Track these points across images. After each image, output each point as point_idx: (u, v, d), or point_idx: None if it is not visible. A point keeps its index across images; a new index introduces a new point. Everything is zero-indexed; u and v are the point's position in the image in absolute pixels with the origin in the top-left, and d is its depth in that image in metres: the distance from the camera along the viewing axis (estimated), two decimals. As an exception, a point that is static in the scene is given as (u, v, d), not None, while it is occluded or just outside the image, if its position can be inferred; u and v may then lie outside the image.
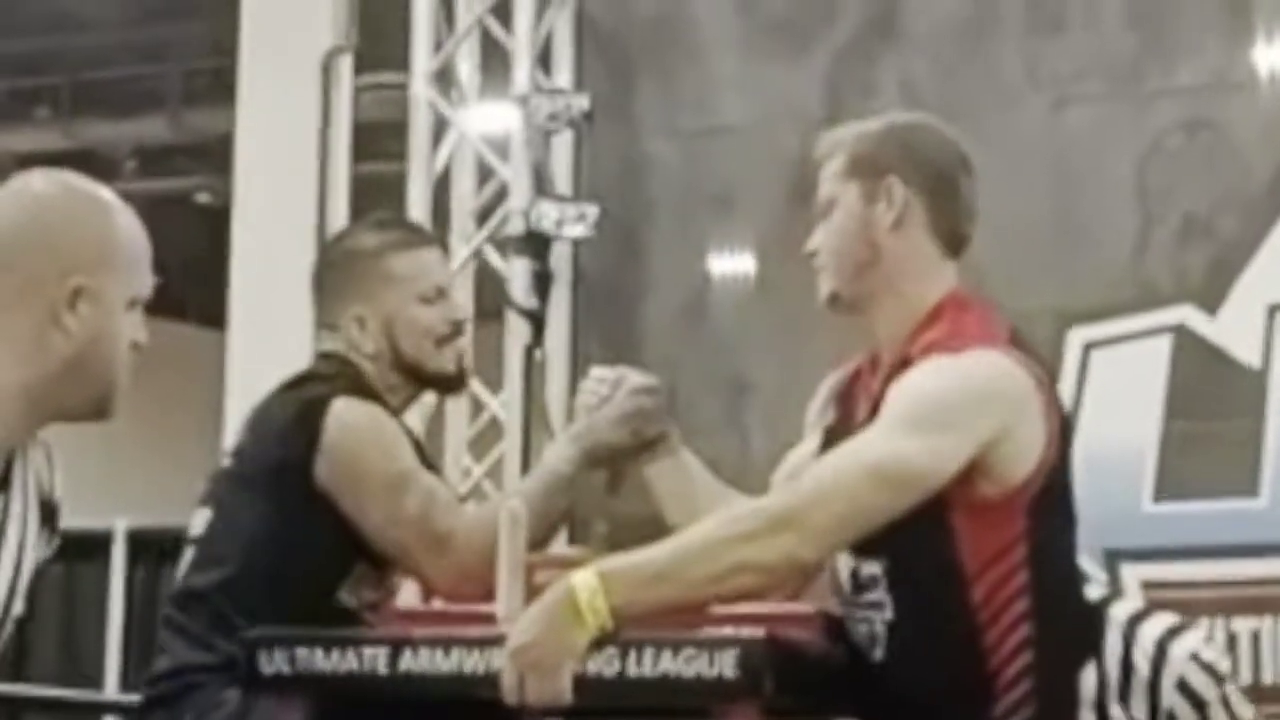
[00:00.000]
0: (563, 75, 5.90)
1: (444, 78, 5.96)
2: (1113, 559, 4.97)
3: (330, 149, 6.09)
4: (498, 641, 2.67)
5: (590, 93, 5.57)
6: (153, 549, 8.33)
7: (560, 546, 3.42)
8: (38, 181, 2.39)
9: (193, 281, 7.11)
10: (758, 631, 2.67)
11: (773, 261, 5.56)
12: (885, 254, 2.87)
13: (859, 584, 2.82)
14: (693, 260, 5.79)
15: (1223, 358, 5.12)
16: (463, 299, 4.88)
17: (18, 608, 2.36)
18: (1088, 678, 3.09)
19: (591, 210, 5.44)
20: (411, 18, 5.96)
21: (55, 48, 9.36)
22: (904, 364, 2.81)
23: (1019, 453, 2.75)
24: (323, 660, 2.87)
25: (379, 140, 6.50)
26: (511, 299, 5.60)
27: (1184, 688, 3.21)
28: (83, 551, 8.26)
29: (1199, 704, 3.21)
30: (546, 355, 5.53)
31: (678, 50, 5.80)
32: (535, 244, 5.43)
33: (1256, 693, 4.03)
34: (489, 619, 2.90)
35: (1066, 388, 4.97)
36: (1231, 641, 4.91)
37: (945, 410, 2.72)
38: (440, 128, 5.94)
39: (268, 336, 5.80)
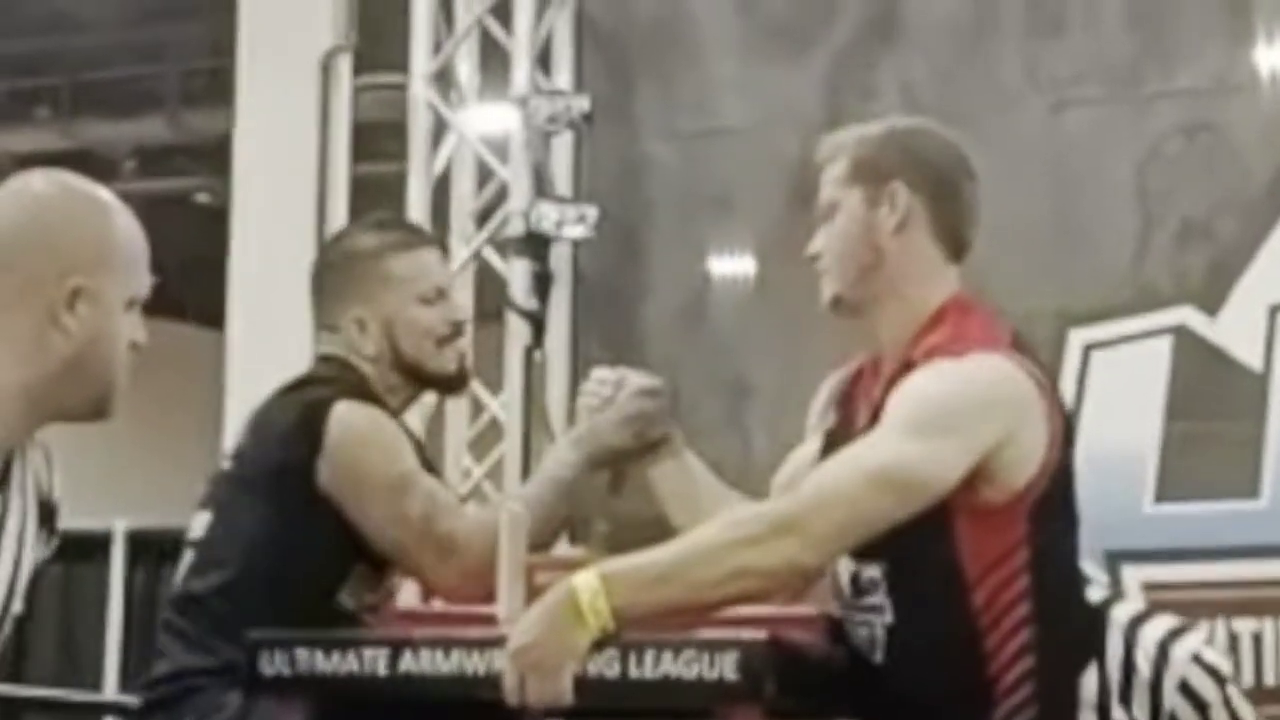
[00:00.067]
0: (562, 76, 5.89)
1: (443, 78, 5.96)
2: (1113, 560, 4.96)
3: (329, 150, 6.09)
4: (498, 643, 2.68)
5: (590, 94, 5.56)
6: (152, 550, 8.33)
7: (561, 547, 3.41)
8: (37, 182, 2.39)
9: (192, 281, 7.10)
10: (759, 633, 2.67)
11: (773, 263, 5.56)
12: (888, 257, 2.87)
13: (859, 588, 2.82)
14: (693, 261, 5.79)
15: (1223, 359, 5.12)
16: (462, 300, 4.87)
17: (16, 607, 2.36)
18: (1089, 680, 3.09)
19: (591, 211, 5.44)
20: (411, 18, 5.95)
21: (54, 48, 9.36)
22: (906, 367, 2.82)
23: (1021, 457, 2.75)
24: (323, 662, 2.87)
25: (378, 141, 6.49)
26: (511, 300, 5.59)
27: (1186, 689, 3.21)
28: (82, 552, 8.26)
29: (1201, 705, 3.21)
30: (546, 356, 5.53)
31: (677, 52, 5.79)
32: (535, 245, 5.42)
33: (1258, 694, 4.03)
34: (490, 620, 2.90)
35: (1067, 389, 4.97)
36: (1233, 643, 4.90)
37: (948, 415, 2.72)
38: (440, 129, 5.93)
39: (267, 336, 5.80)
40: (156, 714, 3.23)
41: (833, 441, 2.91)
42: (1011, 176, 4.94)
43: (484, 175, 5.95)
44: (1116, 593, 4.57)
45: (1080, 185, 5.33)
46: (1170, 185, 5.25)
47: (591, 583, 2.59)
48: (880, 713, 2.79)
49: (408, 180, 5.89)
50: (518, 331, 5.60)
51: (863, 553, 2.78)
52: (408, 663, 2.82)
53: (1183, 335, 5.17)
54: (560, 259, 5.65)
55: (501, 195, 5.87)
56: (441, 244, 4.04)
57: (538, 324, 5.48)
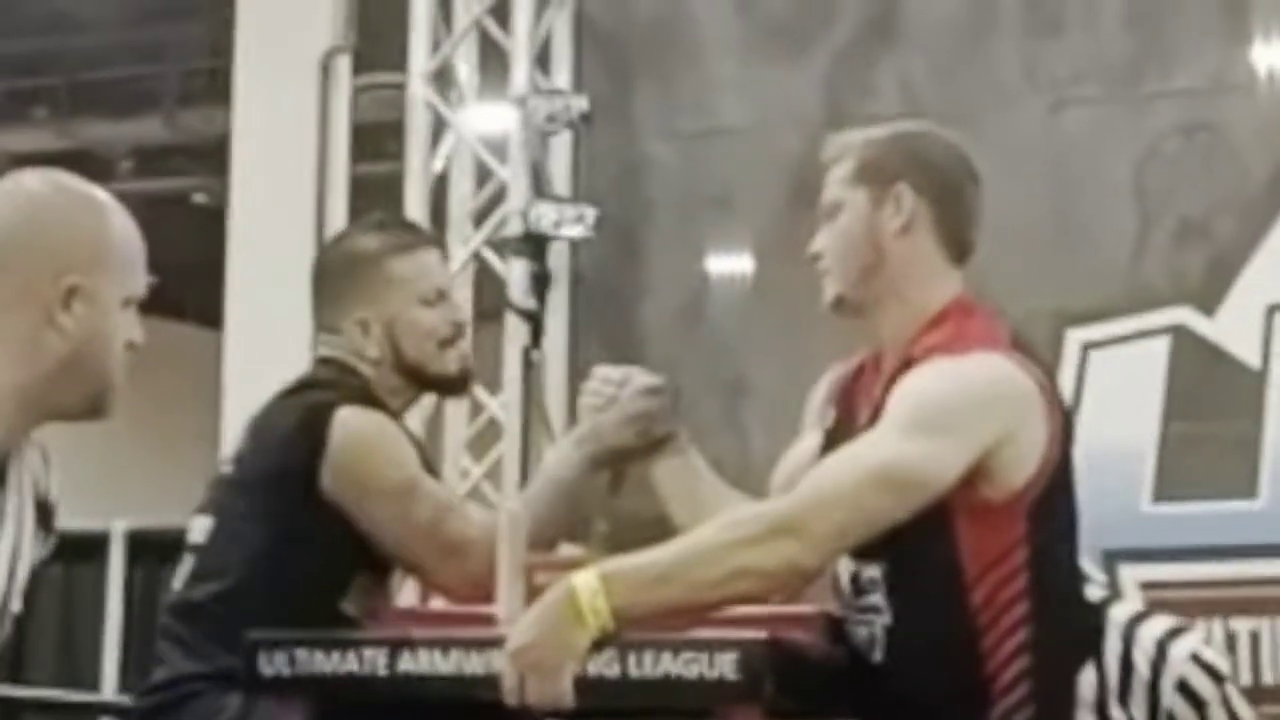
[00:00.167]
0: (561, 76, 5.90)
1: (442, 78, 5.96)
2: (1111, 559, 4.97)
3: (328, 149, 6.09)
4: (498, 643, 2.67)
5: (589, 94, 5.57)
6: (151, 550, 8.31)
7: (561, 546, 3.41)
8: (32, 181, 2.38)
9: (190, 281, 7.09)
10: (759, 633, 2.67)
11: (771, 262, 5.56)
12: (890, 258, 2.88)
13: (859, 588, 2.83)
14: (691, 261, 5.79)
15: (1221, 358, 5.12)
16: (461, 300, 4.87)
17: (14, 606, 2.36)
18: (1086, 679, 3.09)
19: (590, 211, 5.44)
20: (409, 18, 5.96)
21: (52, 48, 9.35)
22: (906, 366, 2.82)
23: (1021, 456, 2.75)
24: (322, 662, 2.87)
25: (377, 141, 6.49)
26: (510, 300, 5.59)
27: (1184, 688, 3.21)
28: (80, 552, 8.24)
29: (1199, 704, 3.21)
30: (545, 356, 5.53)
31: (676, 51, 5.80)
32: (533, 245, 5.43)
33: (1256, 693, 4.03)
34: (489, 620, 2.90)
35: (1065, 389, 4.96)
36: (1230, 642, 4.91)
37: (947, 414, 2.72)
38: (438, 128, 5.94)
39: (265, 336, 5.80)
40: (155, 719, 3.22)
41: (832, 440, 2.91)
42: (1010, 176, 4.94)
43: (483, 175, 5.95)
44: (1114, 592, 4.57)
45: (1078, 185, 5.34)
46: (1168, 185, 5.26)
47: (591, 582, 2.59)
48: (879, 712, 2.79)
49: (406, 180, 5.89)
50: (516, 331, 5.60)
51: (863, 553, 2.78)
52: (407, 663, 2.82)
53: (1181, 335, 5.17)
54: (559, 259, 5.65)
55: (500, 195, 5.87)
56: (440, 244, 4.03)
57: (536, 324, 5.49)
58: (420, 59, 5.93)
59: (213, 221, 6.98)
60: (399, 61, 5.97)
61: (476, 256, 5.84)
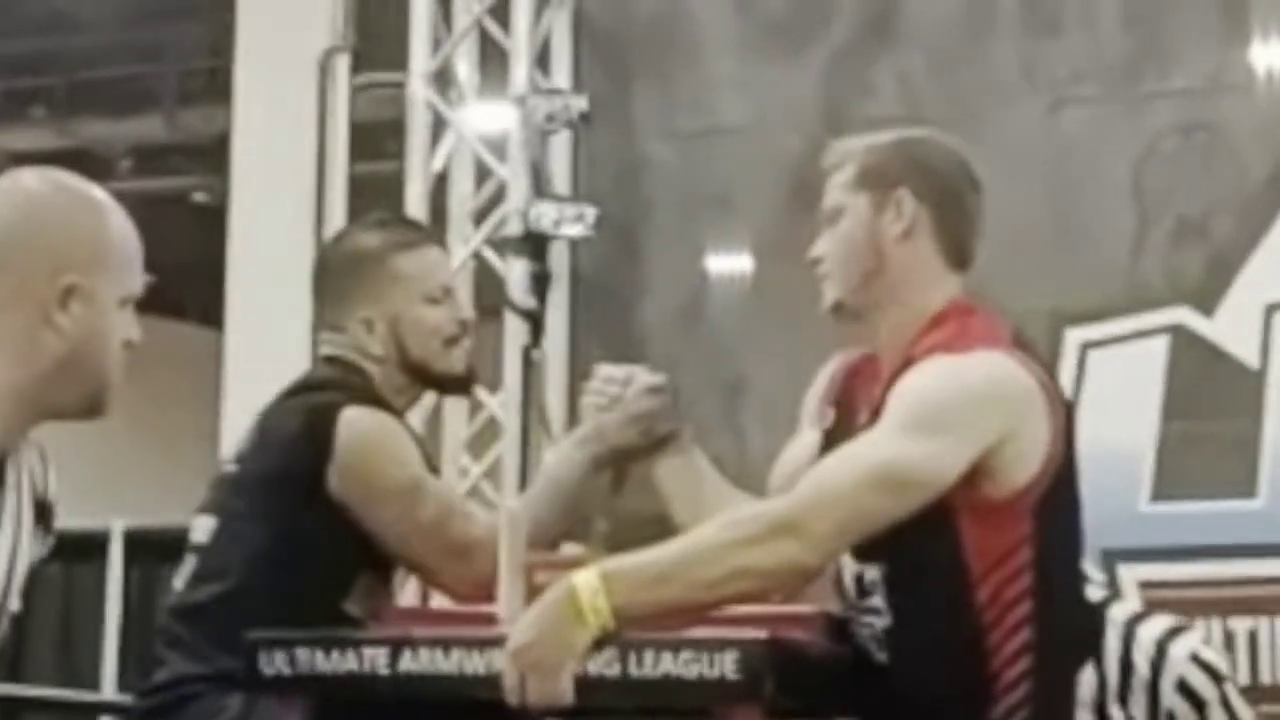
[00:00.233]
0: (561, 76, 5.90)
1: (442, 78, 5.96)
2: (1110, 559, 4.97)
3: (327, 149, 6.09)
4: (498, 642, 2.67)
5: (588, 93, 5.56)
6: (150, 549, 8.32)
7: (561, 546, 3.41)
8: (29, 180, 2.38)
9: (189, 281, 7.10)
10: (759, 633, 2.67)
11: (771, 262, 5.56)
12: (891, 263, 2.88)
13: (863, 588, 2.83)
14: (691, 260, 5.79)
15: (1220, 358, 5.12)
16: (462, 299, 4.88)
17: (13, 606, 2.36)
18: (1086, 679, 3.09)
19: (590, 210, 5.43)
20: (409, 18, 5.96)
21: (51, 48, 9.35)
22: (906, 365, 2.82)
23: (1023, 454, 2.75)
24: (323, 661, 2.87)
25: (376, 140, 6.49)
26: (510, 299, 5.59)
27: (1184, 688, 3.22)
28: (80, 552, 8.25)
29: (1199, 704, 3.22)
30: (545, 355, 5.53)
31: (675, 51, 5.80)
32: (533, 244, 5.42)
33: (1255, 693, 4.03)
34: (490, 619, 2.90)
35: (1064, 388, 4.97)
36: (1229, 641, 4.91)
37: (947, 412, 2.73)
38: (438, 128, 5.94)
39: (265, 335, 5.81)
40: (155, 720, 3.21)
41: (832, 440, 2.91)
42: (1008, 176, 4.93)
43: (482, 174, 5.95)
44: (1114, 592, 4.58)
45: (1077, 184, 5.34)
46: (1167, 184, 5.26)
47: (591, 581, 2.59)
48: (880, 711, 2.80)
49: (406, 179, 5.90)
50: (516, 331, 5.60)
51: (867, 553, 2.78)
52: (407, 662, 2.82)
53: (1179, 334, 5.17)
54: (559, 258, 5.65)
55: (500, 194, 5.88)
56: (442, 242, 4.03)
57: (536, 323, 5.48)
58: (420, 58, 5.93)
59: (212, 221, 6.98)
60: (399, 61, 5.97)
61: (476, 256, 5.84)
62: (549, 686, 2.58)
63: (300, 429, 3.20)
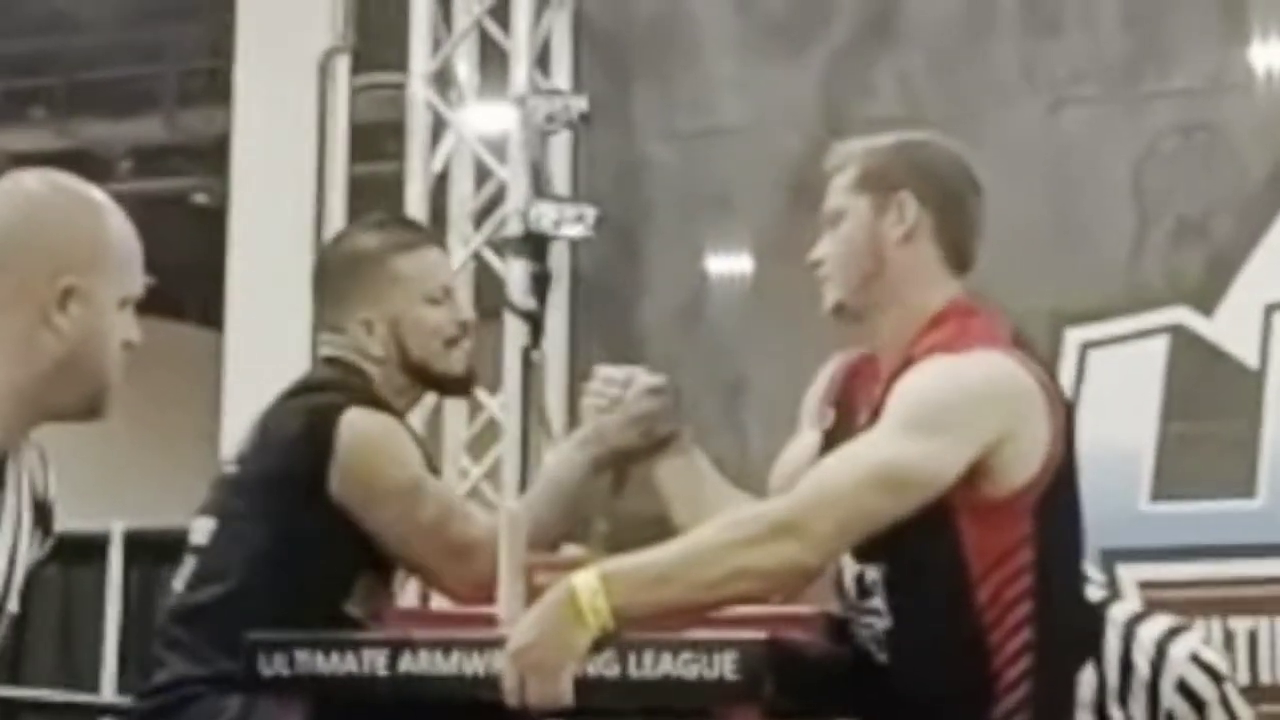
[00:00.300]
0: (561, 76, 5.90)
1: (442, 78, 5.96)
2: (1109, 559, 4.96)
3: (327, 150, 6.09)
4: (498, 643, 2.67)
5: (588, 94, 5.56)
6: (150, 551, 8.32)
7: (563, 547, 3.41)
8: (29, 181, 2.38)
9: (189, 282, 7.11)
10: (759, 633, 2.67)
11: (770, 262, 5.56)
12: (891, 265, 2.89)
13: (864, 589, 2.83)
14: (691, 261, 5.79)
15: (1219, 358, 5.12)
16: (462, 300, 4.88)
17: (12, 607, 2.36)
18: (1085, 679, 3.09)
19: (590, 211, 5.44)
20: (410, 18, 5.96)
21: (51, 48, 9.35)
22: (906, 364, 2.82)
23: (1023, 454, 2.76)
24: (323, 662, 2.87)
25: (376, 141, 6.50)
26: (509, 300, 5.59)
27: (1184, 688, 3.22)
28: (79, 554, 8.25)
29: (1198, 704, 3.22)
30: (545, 356, 5.53)
31: (675, 51, 5.80)
32: (533, 245, 5.42)
33: (1254, 693, 4.03)
34: (489, 620, 2.90)
35: (1064, 388, 4.97)
36: (1229, 641, 4.91)
37: (947, 412, 2.73)
38: (438, 128, 5.94)
39: (265, 336, 5.81)
40: (155, 723, 3.21)
41: (832, 440, 2.92)
42: (1008, 176, 4.93)
43: (482, 175, 5.95)
44: (1114, 592, 4.58)
45: (1077, 184, 5.34)
46: (1167, 184, 5.26)
47: (591, 582, 2.59)
48: (881, 711, 2.80)
49: (406, 180, 5.90)
50: (516, 331, 5.60)
51: (867, 553, 2.78)
52: (407, 663, 2.82)
53: (1179, 334, 5.17)
54: (558, 258, 5.65)
55: (500, 195, 5.88)
56: (442, 243, 4.03)
57: (536, 324, 5.48)
58: (420, 59, 5.93)
59: (212, 221, 6.99)
60: (399, 61, 5.97)
61: (476, 256, 5.84)
62: (549, 687, 2.58)
63: (301, 430, 3.19)
